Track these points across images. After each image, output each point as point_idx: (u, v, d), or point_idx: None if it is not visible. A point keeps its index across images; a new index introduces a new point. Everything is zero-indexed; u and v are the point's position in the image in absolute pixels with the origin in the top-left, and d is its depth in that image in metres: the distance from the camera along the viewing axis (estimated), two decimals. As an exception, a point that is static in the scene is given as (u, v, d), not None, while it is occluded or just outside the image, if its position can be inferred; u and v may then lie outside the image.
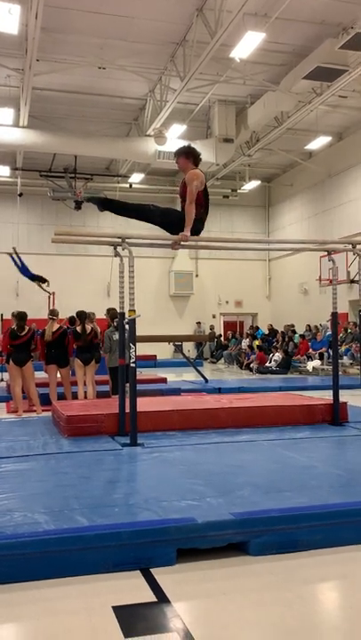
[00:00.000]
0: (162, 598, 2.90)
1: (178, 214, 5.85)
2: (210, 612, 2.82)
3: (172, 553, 3.26)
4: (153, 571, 3.17)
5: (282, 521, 3.47)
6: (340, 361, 12.64)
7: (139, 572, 3.16)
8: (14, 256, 12.79)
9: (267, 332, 21.73)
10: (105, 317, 9.93)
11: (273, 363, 17.67)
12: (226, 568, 3.25)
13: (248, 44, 12.25)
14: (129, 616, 2.74)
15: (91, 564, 3.15)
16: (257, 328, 22.74)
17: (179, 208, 6.03)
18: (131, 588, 3.01)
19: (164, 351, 20.95)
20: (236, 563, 3.30)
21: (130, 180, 21.31)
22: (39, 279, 12.57)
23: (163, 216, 5.92)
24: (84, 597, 2.91)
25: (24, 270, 12.97)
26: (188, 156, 5.89)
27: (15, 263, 13.00)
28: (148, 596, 2.93)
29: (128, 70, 14.71)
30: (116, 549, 3.21)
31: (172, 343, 16.05)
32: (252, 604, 2.87)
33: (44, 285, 12.71)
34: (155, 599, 2.90)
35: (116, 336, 9.09)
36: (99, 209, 6.03)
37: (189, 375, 14.99)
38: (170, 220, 5.85)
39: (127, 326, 6.10)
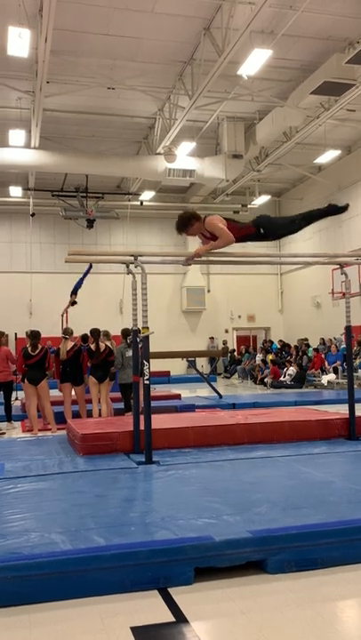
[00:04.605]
0: (180, 618, 2.87)
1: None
2: (229, 631, 2.79)
3: (190, 572, 3.24)
4: (171, 590, 3.15)
5: (300, 538, 3.44)
6: (355, 374, 12.54)
7: (156, 591, 3.14)
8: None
9: (278, 346, 21.67)
10: (119, 334, 10.00)
11: (287, 377, 17.58)
12: (244, 586, 3.21)
13: (255, 61, 12.36)
14: (147, 637, 2.71)
15: (108, 584, 3.13)
16: (271, 342, 22.68)
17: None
18: (149, 607, 2.99)
19: (177, 367, 20.95)
20: (254, 581, 3.27)
21: (141, 198, 21.48)
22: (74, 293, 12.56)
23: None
24: (101, 618, 2.89)
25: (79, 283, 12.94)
26: (191, 220, 5.74)
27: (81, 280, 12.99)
28: (167, 615, 2.90)
29: (137, 90, 14.88)
30: (134, 569, 3.19)
31: (185, 359, 16.05)
32: (271, 623, 2.83)
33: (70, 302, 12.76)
34: (173, 619, 2.87)
35: (129, 353, 9.13)
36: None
37: (203, 391, 14.95)
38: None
39: (140, 343, 6.12)
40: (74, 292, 12.55)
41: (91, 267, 12.10)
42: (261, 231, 5.76)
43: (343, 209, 6.07)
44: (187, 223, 5.77)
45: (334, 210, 6.06)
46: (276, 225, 6.05)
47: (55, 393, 9.97)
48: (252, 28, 11.16)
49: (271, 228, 5.91)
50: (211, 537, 3.37)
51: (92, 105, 16.04)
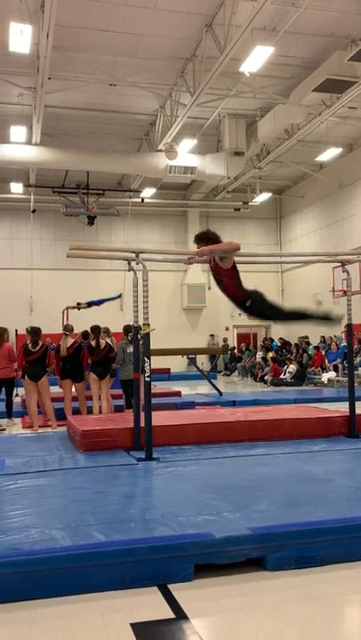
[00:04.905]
0: (180, 614, 2.88)
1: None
2: (228, 628, 2.80)
3: (190, 569, 3.24)
4: (170, 587, 3.15)
5: (300, 535, 3.43)
6: (355, 372, 12.53)
7: (156, 588, 3.14)
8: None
9: (279, 344, 21.67)
10: (120, 331, 10.02)
11: (287, 375, 17.59)
12: (244, 583, 3.21)
13: (257, 59, 12.32)
14: (147, 633, 2.72)
15: (108, 581, 3.13)
16: (271, 340, 22.68)
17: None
18: (148, 604, 2.99)
19: (177, 364, 20.92)
20: (254, 578, 3.27)
21: (142, 195, 21.46)
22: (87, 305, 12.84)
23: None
24: (101, 614, 2.90)
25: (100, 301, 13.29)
26: (211, 240, 5.77)
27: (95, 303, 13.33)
28: (166, 612, 2.91)
29: (139, 86, 14.85)
30: (133, 565, 3.19)
31: (185, 356, 16.04)
32: (271, 620, 2.84)
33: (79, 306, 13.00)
34: (173, 615, 2.87)
35: (130, 349, 9.13)
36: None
37: (203, 388, 14.96)
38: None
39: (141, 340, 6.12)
40: (88, 304, 12.66)
41: (120, 296, 12.32)
42: (248, 303, 5.80)
43: (337, 320, 6.22)
44: (207, 239, 5.82)
45: (329, 319, 6.19)
46: (264, 306, 6.03)
47: (55, 389, 9.98)
48: (255, 24, 11.12)
49: (260, 307, 5.92)
50: (211, 534, 3.37)
51: (93, 101, 16.01)
